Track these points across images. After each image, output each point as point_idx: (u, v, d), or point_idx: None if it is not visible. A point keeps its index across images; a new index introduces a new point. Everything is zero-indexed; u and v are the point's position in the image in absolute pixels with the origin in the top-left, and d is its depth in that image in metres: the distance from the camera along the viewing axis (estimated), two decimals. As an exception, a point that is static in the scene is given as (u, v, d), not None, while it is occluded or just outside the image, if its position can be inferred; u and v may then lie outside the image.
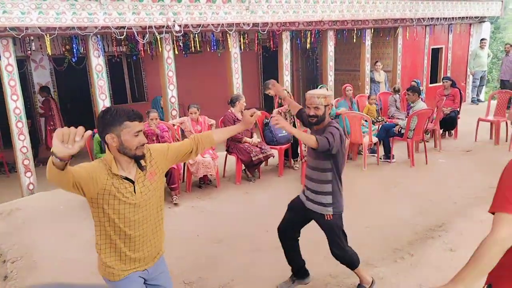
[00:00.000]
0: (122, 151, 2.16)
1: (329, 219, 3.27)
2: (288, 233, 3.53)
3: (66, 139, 1.73)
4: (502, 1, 12.29)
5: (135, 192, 2.22)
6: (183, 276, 3.92)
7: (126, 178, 2.21)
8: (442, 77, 10.25)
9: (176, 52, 7.52)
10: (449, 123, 8.45)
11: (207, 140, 2.56)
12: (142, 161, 2.26)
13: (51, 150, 1.79)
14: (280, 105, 6.87)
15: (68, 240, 4.77)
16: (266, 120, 6.96)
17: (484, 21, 12.34)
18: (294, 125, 6.90)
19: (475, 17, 11.77)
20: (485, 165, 6.64)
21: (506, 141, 7.83)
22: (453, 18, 11.14)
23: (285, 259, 3.71)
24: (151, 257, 2.47)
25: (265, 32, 8.24)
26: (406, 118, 7.21)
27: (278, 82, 8.90)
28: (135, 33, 6.79)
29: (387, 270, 3.86)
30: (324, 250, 4.30)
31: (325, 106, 3.15)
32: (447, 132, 8.79)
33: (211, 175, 6.23)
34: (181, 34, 7.24)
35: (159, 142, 5.92)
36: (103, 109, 2.24)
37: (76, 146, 1.74)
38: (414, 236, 4.55)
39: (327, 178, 3.24)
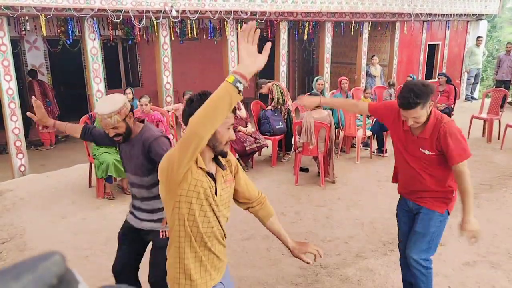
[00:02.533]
0: (212, 144, 1.87)
1: (165, 236, 2.73)
2: (128, 270, 2.89)
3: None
4: (500, 0, 12.31)
5: (216, 194, 1.91)
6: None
7: (210, 175, 1.92)
8: (437, 73, 10.29)
9: (173, 38, 7.46)
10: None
11: (265, 211, 2.27)
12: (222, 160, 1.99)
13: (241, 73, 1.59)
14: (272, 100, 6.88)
15: (58, 222, 4.75)
16: (263, 109, 6.94)
17: (481, 19, 12.37)
18: (288, 120, 6.90)
19: (472, 15, 11.79)
20: (476, 162, 6.69)
21: (499, 139, 7.89)
22: (451, 14, 11.15)
23: (277, 247, 3.71)
24: (223, 268, 2.09)
25: (263, 21, 8.19)
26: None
27: (273, 73, 8.89)
28: (132, 17, 6.71)
29: (376, 262, 3.89)
30: (314, 240, 4.34)
31: (124, 119, 2.57)
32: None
33: (204, 163, 6.22)
34: (178, 20, 7.17)
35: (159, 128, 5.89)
36: (196, 94, 1.94)
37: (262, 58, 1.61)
38: (404, 230, 4.58)
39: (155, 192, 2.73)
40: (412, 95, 2.52)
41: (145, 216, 2.80)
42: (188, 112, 1.84)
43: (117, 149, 2.89)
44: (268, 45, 1.62)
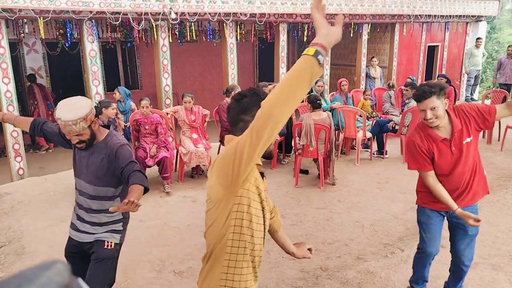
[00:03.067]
0: None
1: (110, 247, 2.60)
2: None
3: None
4: (499, 1, 12.31)
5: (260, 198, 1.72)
6: (173, 265, 3.91)
7: (262, 175, 1.78)
8: (437, 74, 10.27)
9: (171, 40, 7.44)
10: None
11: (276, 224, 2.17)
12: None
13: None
14: None
15: (56, 225, 4.72)
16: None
17: (480, 20, 12.36)
18: (288, 122, 6.88)
19: (472, 16, 11.78)
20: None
21: (499, 140, 7.87)
22: (450, 16, 11.14)
23: (277, 250, 3.68)
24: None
25: (262, 23, 8.17)
26: (401, 115, 7.22)
27: (273, 74, 8.88)
28: (131, 19, 6.70)
29: (377, 265, 3.86)
30: (314, 242, 4.31)
31: (89, 126, 2.42)
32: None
33: (204, 165, 6.20)
34: (177, 22, 7.15)
35: (158, 131, 5.87)
36: (248, 89, 1.80)
37: None
38: (405, 232, 4.56)
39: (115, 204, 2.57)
40: (426, 86, 2.70)
41: (90, 228, 2.61)
42: (238, 108, 1.69)
43: (74, 147, 2.62)
44: (340, 17, 1.48)
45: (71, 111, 2.34)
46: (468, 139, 2.78)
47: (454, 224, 3.10)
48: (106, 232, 2.62)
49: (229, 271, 1.68)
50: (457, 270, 3.21)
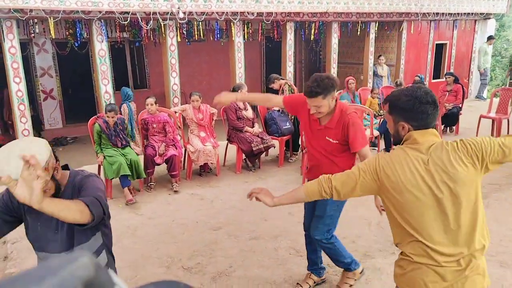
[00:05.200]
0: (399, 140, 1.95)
1: None
2: None
3: None
4: (508, -2, 12.23)
5: None
6: (182, 261, 3.96)
7: None
8: (445, 72, 10.23)
9: (179, 40, 7.50)
10: (450, 119, 8.44)
11: None
12: None
13: None
14: None
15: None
16: (269, 112, 6.94)
17: (489, 18, 12.28)
18: (295, 120, 6.89)
19: (480, 14, 11.71)
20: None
21: (507, 138, 7.82)
22: (458, 14, 11.08)
23: (284, 247, 3.72)
24: None
25: (269, 22, 8.20)
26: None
27: (281, 74, 8.90)
28: (139, 19, 6.76)
29: (384, 261, 3.88)
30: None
31: (52, 175, 1.84)
32: (448, 128, 8.79)
33: (211, 163, 6.25)
34: (185, 21, 7.21)
35: (166, 129, 5.92)
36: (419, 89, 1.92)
37: None
38: (412, 229, 4.57)
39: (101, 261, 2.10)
40: (315, 85, 2.79)
41: None
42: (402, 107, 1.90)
43: (24, 217, 1.93)
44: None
45: (20, 164, 1.57)
46: (332, 140, 2.98)
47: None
48: None
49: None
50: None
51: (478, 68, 12.12)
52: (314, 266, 3.56)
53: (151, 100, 5.88)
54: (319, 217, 3.23)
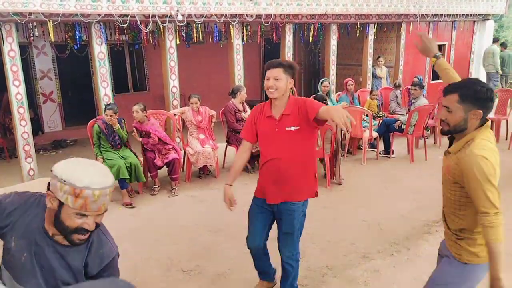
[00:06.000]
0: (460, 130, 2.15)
1: None
2: None
3: None
4: (506, -1, 12.25)
5: None
6: (181, 264, 3.96)
7: None
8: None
9: (179, 42, 7.51)
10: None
11: None
12: None
13: None
14: None
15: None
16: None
17: (488, 19, 12.30)
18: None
19: (479, 15, 11.73)
20: (484, 162, 6.64)
21: (506, 139, 7.84)
22: (457, 15, 11.10)
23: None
24: None
25: (268, 24, 8.21)
26: (407, 114, 7.22)
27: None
28: (138, 21, 6.77)
29: (383, 263, 3.89)
30: (321, 241, 4.35)
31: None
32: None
33: (210, 165, 6.26)
34: (184, 24, 7.22)
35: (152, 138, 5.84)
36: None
37: None
38: (411, 231, 4.58)
39: None
40: (280, 60, 2.93)
41: None
42: None
43: (12, 237, 1.66)
44: None
45: (105, 174, 1.63)
46: (293, 128, 2.86)
47: (276, 218, 3.14)
48: None
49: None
50: (282, 266, 3.22)
51: (490, 69, 12.16)
52: (267, 275, 3.46)
53: (135, 108, 5.74)
54: (288, 234, 3.08)
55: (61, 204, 1.56)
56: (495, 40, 12.17)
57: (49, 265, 1.65)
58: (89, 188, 1.53)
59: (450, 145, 2.27)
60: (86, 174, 1.56)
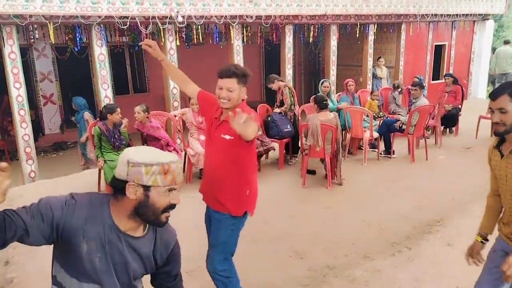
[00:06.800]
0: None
1: None
2: None
3: None
4: (506, -1, 12.26)
5: None
6: (182, 264, 3.95)
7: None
8: (444, 73, 10.25)
9: (179, 43, 7.52)
10: (450, 120, 8.46)
11: None
12: None
13: None
14: (282, 103, 6.88)
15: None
16: (269, 115, 6.94)
17: (488, 19, 12.31)
18: (294, 123, 6.91)
19: (479, 15, 11.74)
20: (484, 162, 6.57)
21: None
22: (457, 15, 11.11)
23: (284, 249, 3.72)
24: None
25: (268, 25, 8.23)
26: (407, 114, 7.22)
27: (280, 76, 8.92)
28: (138, 23, 6.79)
29: (384, 263, 3.89)
30: (322, 241, 4.35)
31: None
32: (448, 129, 8.81)
33: (211, 166, 6.25)
34: (184, 25, 7.23)
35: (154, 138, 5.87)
36: None
37: None
38: (412, 231, 4.58)
39: None
40: (233, 67, 2.71)
41: None
42: None
43: (83, 239, 1.60)
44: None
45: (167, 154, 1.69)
46: (227, 137, 2.68)
47: None
48: None
49: None
50: None
51: (508, 69, 12.30)
52: None
53: (137, 108, 5.76)
54: (211, 245, 2.93)
55: (147, 189, 1.59)
56: (507, 42, 12.38)
57: (122, 261, 1.67)
58: (173, 162, 1.62)
59: (499, 143, 2.29)
60: (159, 153, 1.66)
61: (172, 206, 1.68)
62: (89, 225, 1.60)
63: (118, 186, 1.62)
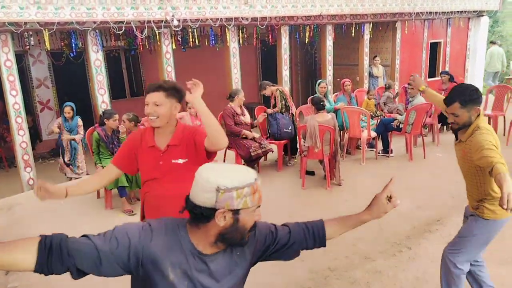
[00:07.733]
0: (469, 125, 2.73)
1: None
2: None
3: None
4: (500, -5, 12.29)
5: None
6: (183, 270, 3.96)
7: None
8: (440, 71, 10.27)
9: (174, 47, 7.52)
10: (447, 118, 8.45)
11: None
12: None
13: None
14: (275, 106, 6.90)
15: (68, 234, 4.79)
16: (266, 114, 6.93)
17: (482, 15, 12.33)
18: (293, 121, 6.92)
19: (473, 11, 11.76)
20: (482, 159, 6.67)
21: (504, 135, 7.86)
22: (451, 12, 11.13)
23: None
24: None
25: (264, 26, 8.23)
26: (405, 112, 7.24)
27: (277, 77, 8.92)
28: (134, 27, 6.78)
29: (385, 264, 3.90)
30: (323, 244, 4.35)
31: None
32: (445, 126, 8.82)
33: (210, 169, 6.24)
34: (179, 28, 7.23)
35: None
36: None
37: None
38: (412, 230, 4.59)
39: None
40: (162, 81, 2.57)
41: None
42: None
43: (168, 267, 1.54)
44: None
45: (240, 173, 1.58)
46: (181, 160, 2.50)
47: None
48: None
49: None
50: None
51: (498, 68, 12.47)
52: None
53: (124, 117, 5.63)
54: None
55: (236, 212, 1.50)
56: (493, 42, 12.53)
57: (214, 284, 1.60)
58: (257, 179, 1.55)
59: (455, 136, 2.88)
60: (241, 171, 1.56)
61: (256, 224, 1.61)
62: (171, 252, 1.53)
63: (202, 214, 1.50)
